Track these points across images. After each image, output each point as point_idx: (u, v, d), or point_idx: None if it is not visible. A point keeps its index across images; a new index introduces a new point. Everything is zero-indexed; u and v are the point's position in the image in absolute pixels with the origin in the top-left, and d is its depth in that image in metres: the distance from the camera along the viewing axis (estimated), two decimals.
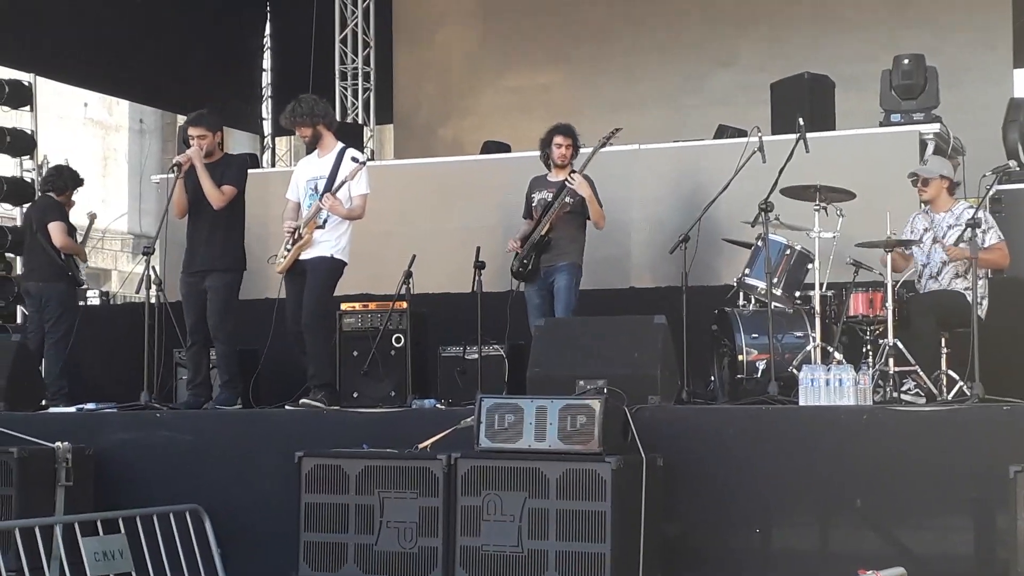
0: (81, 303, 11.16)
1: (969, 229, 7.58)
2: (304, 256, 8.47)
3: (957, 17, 12.78)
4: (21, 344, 9.10)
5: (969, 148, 10.36)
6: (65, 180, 10.21)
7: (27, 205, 11.71)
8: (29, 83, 13.14)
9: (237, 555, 7.47)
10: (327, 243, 8.48)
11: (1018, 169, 10.18)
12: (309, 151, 8.94)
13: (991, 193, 8.47)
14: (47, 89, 15.69)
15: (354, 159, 8.51)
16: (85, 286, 11.04)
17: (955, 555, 6.35)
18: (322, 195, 8.43)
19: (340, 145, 8.68)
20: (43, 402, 9.22)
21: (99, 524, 7.23)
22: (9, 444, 7.58)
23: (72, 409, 8.83)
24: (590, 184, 8.95)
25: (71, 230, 10.06)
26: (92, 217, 10.73)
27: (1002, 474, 5.96)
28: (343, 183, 8.42)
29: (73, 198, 10.29)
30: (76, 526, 7.08)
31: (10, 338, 9.31)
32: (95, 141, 24.95)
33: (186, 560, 7.33)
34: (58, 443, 7.60)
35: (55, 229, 9.84)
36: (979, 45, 12.66)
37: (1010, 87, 12.63)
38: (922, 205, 8.41)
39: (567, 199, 8.93)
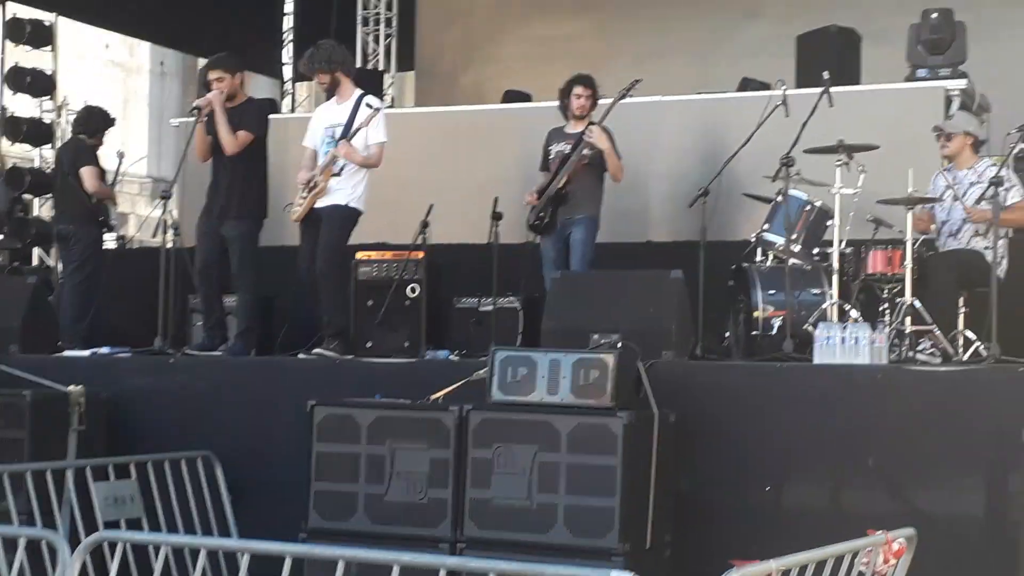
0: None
1: (991, 187, 7.54)
2: (319, 204, 8.48)
3: None
4: (37, 286, 9.12)
5: (995, 105, 10.28)
6: (96, 122, 10.19)
7: (56, 146, 11.72)
8: (51, 23, 13.14)
9: (248, 503, 7.52)
10: (343, 191, 8.48)
11: None
12: (328, 98, 8.94)
13: (1015, 151, 8.42)
14: (68, 29, 15.70)
15: (369, 105, 8.49)
16: (115, 231, 11.03)
17: (967, 516, 6.34)
18: (338, 142, 8.43)
19: (358, 92, 8.66)
20: (58, 344, 9.28)
21: (111, 469, 7.28)
22: (23, 387, 7.62)
23: (86, 353, 8.88)
24: (608, 136, 8.92)
25: (102, 174, 10.06)
26: (121, 156, 10.70)
27: (1017, 435, 5.96)
28: (359, 129, 8.41)
29: (104, 139, 10.28)
30: (88, 471, 7.14)
31: (25, 280, 9.32)
32: (115, 83, 24.88)
33: (197, 507, 7.39)
34: (71, 387, 7.63)
35: (87, 174, 9.83)
36: (1009, 0, 12.52)
37: None
38: (944, 163, 8.36)
39: (585, 151, 8.90)
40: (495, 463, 6.44)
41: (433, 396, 6.95)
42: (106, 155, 10.38)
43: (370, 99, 8.62)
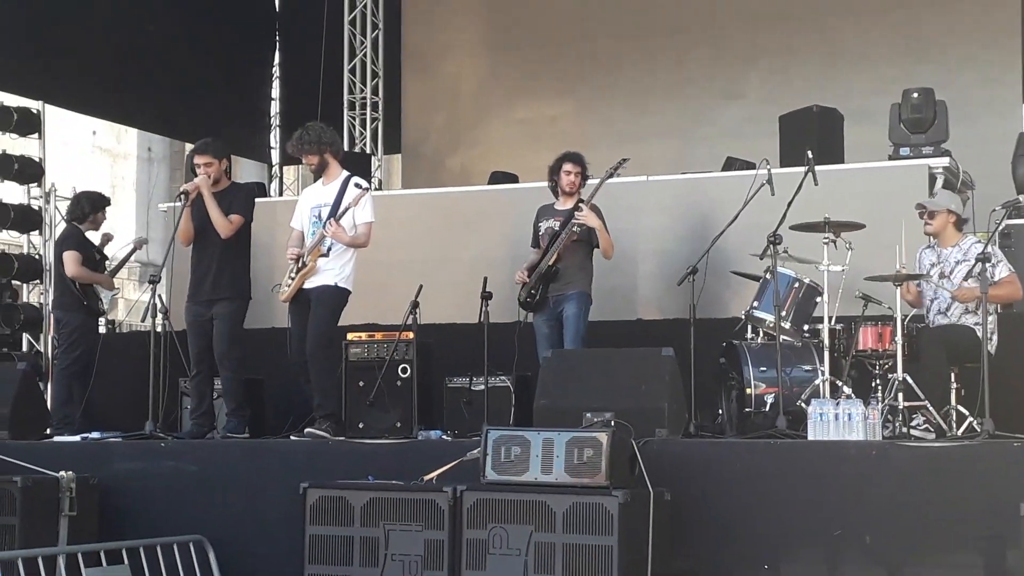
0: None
1: (979, 263, 7.55)
2: (308, 285, 8.45)
3: (966, 52, 12.78)
4: (26, 372, 9.08)
5: (978, 182, 10.34)
6: (83, 207, 10.17)
7: (44, 232, 11.75)
8: (38, 111, 13.16)
9: None
10: (331, 271, 8.46)
11: None
12: (315, 179, 8.94)
13: (1000, 228, 8.45)
14: (55, 116, 15.71)
15: (358, 185, 8.50)
16: (104, 315, 10.95)
17: None
18: (326, 222, 8.42)
19: (345, 173, 8.67)
20: (47, 431, 9.19)
21: (103, 555, 7.19)
22: (13, 473, 7.55)
23: (77, 438, 8.80)
24: (598, 214, 8.93)
25: (87, 259, 9.99)
26: (107, 238, 10.66)
27: (1012, 511, 5.92)
28: (347, 209, 8.40)
29: (102, 217, 10.23)
30: (80, 556, 7.05)
31: (15, 365, 9.28)
32: (103, 169, 24.92)
33: None
34: (62, 472, 7.57)
35: (67, 259, 9.80)
36: (988, 80, 12.65)
37: (1019, 122, 12.58)
38: (929, 239, 8.39)
39: (575, 228, 8.91)
40: (490, 544, 6.42)
41: (426, 477, 6.91)
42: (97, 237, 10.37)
43: (357, 180, 8.62)
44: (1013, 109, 12.70)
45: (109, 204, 10.43)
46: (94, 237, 10.26)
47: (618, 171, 9.13)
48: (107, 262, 10.12)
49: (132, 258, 11.18)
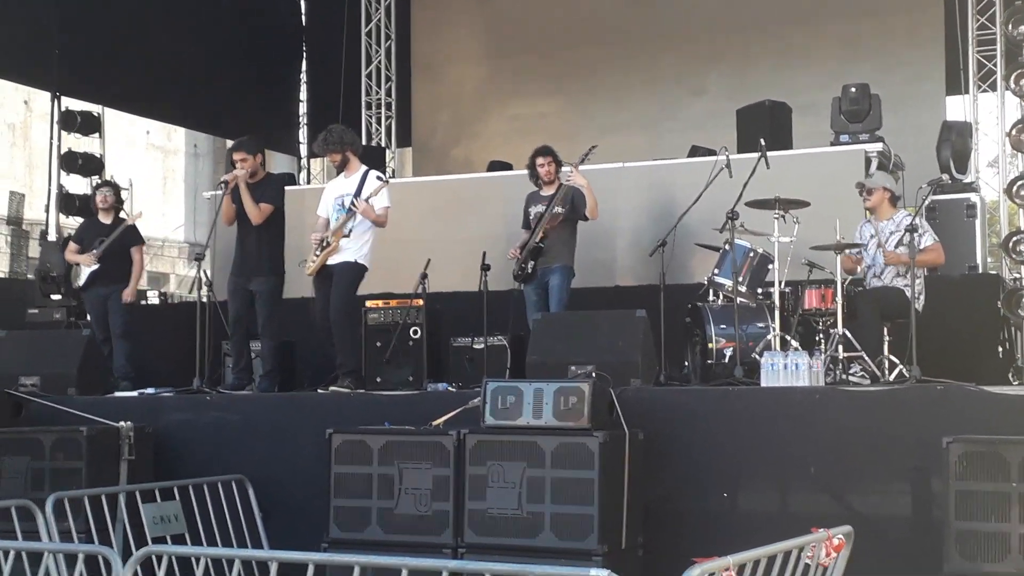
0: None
1: (907, 233, 7.56)
2: (331, 261, 8.45)
3: (898, 52, 12.74)
4: (89, 337, 9.07)
5: (908, 164, 10.33)
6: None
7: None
8: (98, 114, 13.15)
9: (276, 519, 7.43)
10: (352, 250, 8.45)
11: (950, 182, 10.18)
12: (338, 173, 8.93)
13: (926, 202, 8.44)
14: (116, 119, 15.71)
15: (378, 177, 8.50)
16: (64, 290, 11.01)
17: (896, 515, 6.31)
18: (352, 202, 8.39)
19: (364, 167, 8.67)
20: (113, 384, 9.21)
21: (157, 492, 7.20)
22: (80, 424, 7.55)
23: (134, 393, 8.81)
24: (570, 199, 8.93)
25: (72, 244, 10.13)
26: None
27: (935, 445, 5.92)
28: (367, 198, 8.39)
29: (112, 210, 10.12)
30: (137, 494, 7.07)
31: (81, 332, 9.26)
32: (156, 163, 24.94)
33: (232, 523, 7.30)
34: (122, 422, 7.57)
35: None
36: (916, 76, 12.61)
37: (943, 111, 12.59)
38: (867, 214, 8.39)
39: (557, 209, 8.91)
40: (489, 478, 6.41)
41: (434, 422, 6.92)
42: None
43: (376, 173, 8.63)
44: (937, 101, 12.69)
45: (103, 186, 10.35)
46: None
47: (588, 157, 9.09)
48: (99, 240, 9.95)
49: (182, 239, 11.14)
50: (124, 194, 10.71)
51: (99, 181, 10.83)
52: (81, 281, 9.95)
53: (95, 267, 9.75)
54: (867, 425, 6.48)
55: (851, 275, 8.17)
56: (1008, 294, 8.88)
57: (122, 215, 10.26)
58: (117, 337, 9.64)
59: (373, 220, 8.43)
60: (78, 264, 10.04)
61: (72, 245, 10.18)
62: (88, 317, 10.12)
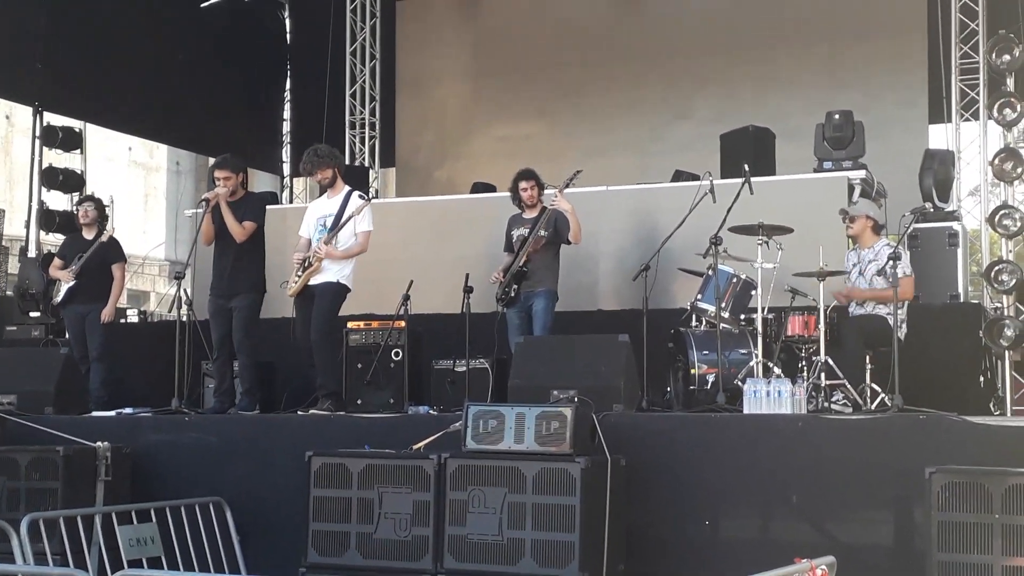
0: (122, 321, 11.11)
1: (890, 261, 7.57)
2: (313, 282, 8.40)
3: (881, 80, 12.80)
4: (68, 356, 8.99)
5: (890, 192, 10.35)
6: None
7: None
8: (79, 129, 13.09)
9: (254, 542, 7.37)
10: (334, 270, 8.41)
11: (932, 210, 10.20)
12: (321, 192, 8.87)
13: (908, 231, 8.46)
14: (99, 136, 15.64)
15: (362, 196, 8.46)
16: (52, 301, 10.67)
17: (878, 545, 6.29)
18: (331, 228, 8.35)
19: (347, 188, 8.63)
20: (89, 406, 9.12)
21: (134, 514, 7.12)
22: (56, 443, 7.48)
23: (112, 413, 8.73)
24: (553, 223, 8.92)
25: (56, 261, 10.06)
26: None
27: (917, 474, 5.92)
28: (350, 218, 8.36)
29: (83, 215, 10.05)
30: (113, 516, 6.99)
31: (59, 351, 9.18)
32: (138, 180, 24.85)
33: (209, 546, 7.22)
34: (99, 443, 7.50)
35: None
36: (900, 103, 12.67)
37: (926, 139, 12.64)
38: (851, 242, 8.40)
39: (541, 232, 8.90)
40: (470, 503, 6.37)
41: (415, 446, 6.88)
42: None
43: (359, 193, 8.58)
44: (920, 129, 12.75)
45: (84, 201, 10.25)
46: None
47: (572, 181, 9.07)
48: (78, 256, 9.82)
49: (163, 257, 11.07)
50: (109, 210, 10.61)
51: (81, 196, 10.73)
52: (59, 298, 9.87)
53: (72, 283, 9.68)
54: (849, 454, 6.46)
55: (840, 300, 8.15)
56: (990, 324, 8.90)
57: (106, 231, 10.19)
58: (94, 360, 9.55)
59: (340, 257, 8.35)
60: (58, 281, 9.96)
61: (56, 261, 10.10)
62: (67, 335, 10.02)
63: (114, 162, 22.57)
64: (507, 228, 9.23)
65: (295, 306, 8.52)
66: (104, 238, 9.88)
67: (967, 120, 12.00)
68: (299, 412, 8.22)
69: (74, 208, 10.33)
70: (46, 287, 11.09)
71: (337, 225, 8.37)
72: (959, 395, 8.34)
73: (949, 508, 5.67)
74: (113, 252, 9.89)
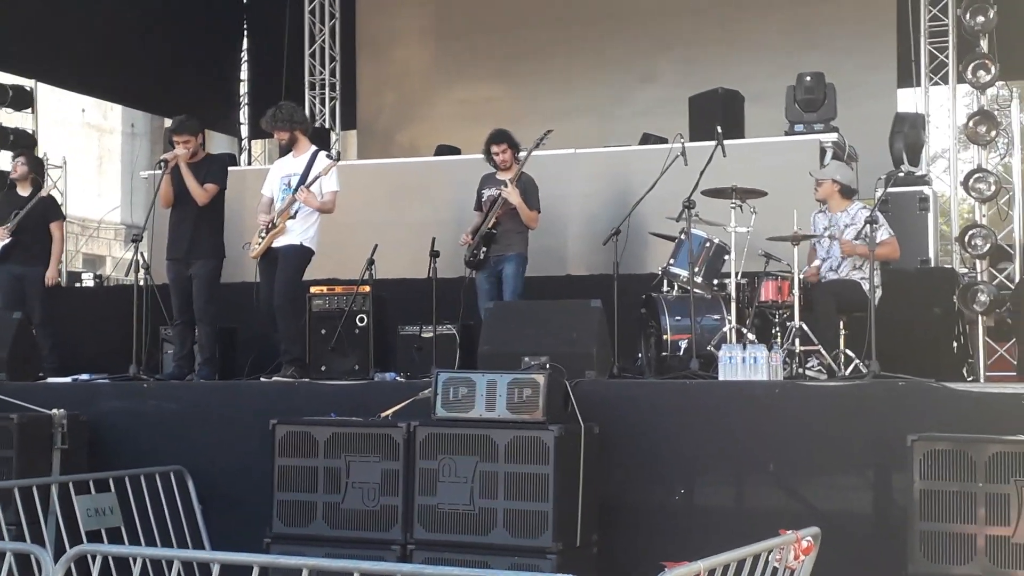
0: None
1: (867, 225, 7.45)
2: (276, 244, 8.19)
3: (850, 43, 12.61)
4: (21, 321, 8.70)
5: (861, 156, 10.22)
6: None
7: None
8: (31, 88, 12.74)
9: (217, 512, 7.18)
10: (297, 232, 8.20)
11: (903, 175, 10.10)
12: (283, 153, 8.64)
13: (880, 195, 8.34)
14: (51, 96, 15.23)
15: (328, 156, 8.24)
16: None
17: (857, 514, 6.17)
18: (296, 188, 8.14)
19: (313, 147, 8.40)
20: (41, 373, 8.86)
21: (91, 484, 6.93)
22: (10, 411, 7.22)
23: (68, 379, 8.48)
24: (527, 188, 8.72)
25: None
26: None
27: (897, 441, 5.81)
28: (317, 177, 8.15)
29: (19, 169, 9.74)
30: (71, 486, 6.78)
31: (11, 315, 8.88)
32: (92, 143, 24.39)
33: (171, 516, 7.03)
34: (55, 410, 7.25)
35: None
36: (868, 67, 12.50)
37: (895, 103, 12.52)
38: (820, 204, 8.27)
39: (511, 200, 8.70)
40: (440, 473, 6.21)
41: (383, 413, 6.70)
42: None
43: (325, 152, 8.38)
44: (889, 93, 12.59)
45: (17, 155, 9.93)
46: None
47: (543, 141, 8.89)
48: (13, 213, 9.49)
49: (118, 221, 10.76)
50: (56, 170, 10.27)
51: (16, 151, 10.35)
52: None
53: (7, 240, 9.35)
54: (828, 421, 6.35)
55: (813, 282, 7.99)
56: (963, 289, 8.81)
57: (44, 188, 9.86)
58: (37, 326, 9.24)
59: (317, 207, 8.17)
60: None
61: None
62: None
63: (67, 125, 22.10)
64: (479, 186, 9.02)
65: (258, 269, 8.30)
66: (44, 193, 9.56)
67: (936, 84, 11.87)
68: (262, 379, 8.00)
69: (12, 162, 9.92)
70: None
71: (305, 182, 8.13)
72: (932, 360, 8.25)
73: (931, 476, 5.56)
74: (51, 210, 9.59)
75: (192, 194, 8.34)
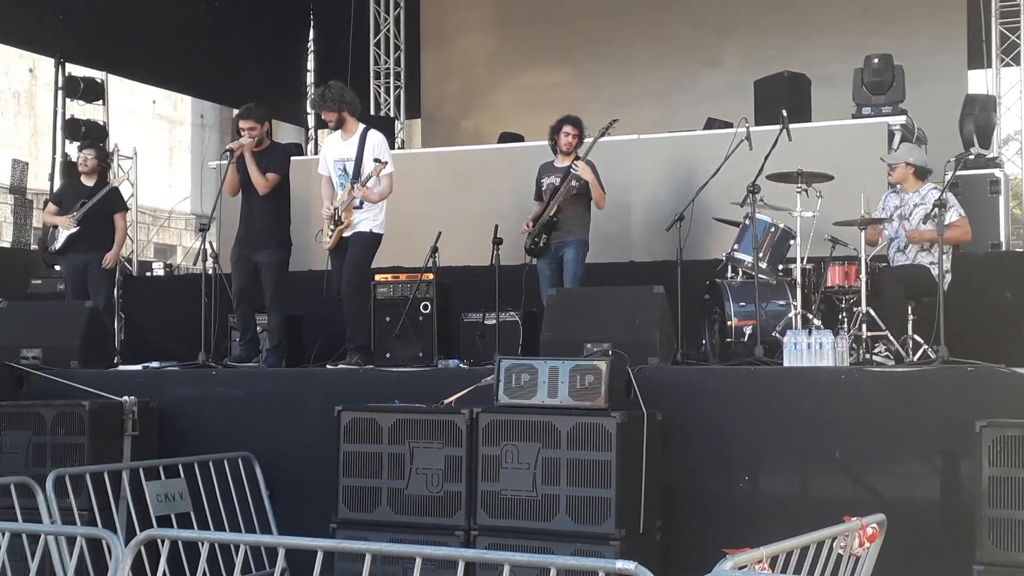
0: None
1: (936, 208, 7.32)
2: (346, 234, 8.22)
3: (919, 24, 12.41)
4: (92, 309, 8.83)
5: (930, 138, 10.06)
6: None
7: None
8: (102, 80, 12.91)
9: (283, 498, 7.24)
10: (366, 220, 8.22)
11: (973, 157, 9.93)
12: (333, 131, 8.61)
13: (950, 178, 8.21)
14: (123, 88, 15.43)
15: (376, 160, 8.13)
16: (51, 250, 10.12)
17: (924, 500, 6.08)
18: (353, 184, 8.13)
19: (362, 126, 8.35)
20: (115, 360, 8.99)
21: (161, 469, 7.02)
22: (82, 398, 7.34)
23: (138, 367, 8.60)
24: (592, 169, 8.69)
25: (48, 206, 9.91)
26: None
27: (965, 427, 5.69)
28: (369, 177, 8.12)
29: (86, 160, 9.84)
30: (141, 471, 6.87)
31: (84, 304, 9.02)
32: (162, 134, 24.70)
33: (238, 502, 7.11)
34: (126, 397, 7.36)
35: None
36: (938, 49, 12.29)
37: (965, 85, 12.29)
38: (894, 186, 8.16)
39: (572, 183, 8.67)
40: (503, 459, 6.21)
41: (446, 400, 6.71)
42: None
43: (373, 132, 8.30)
44: (959, 74, 12.38)
45: (85, 148, 10.02)
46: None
47: (608, 130, 8.87)
48: (80, 203, 9.62)
49: (189, 211, 10.87)
50: (127, 161, 10.41)
51: (82, 142, 10.49)
52: (58, 245, 9.64)
53: (74, 230, 9.50)
54: (894, 407, 6.25)
55: (874, 247, 7.91)
56: None
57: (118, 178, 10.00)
58: (102, 312, 9.36)
59: (376, 200, 8.16)
60: (55, 228, 9.70)
61: (50, 206, 9.92)
62: (65, 284, 9.79)
63: (138, 115, 22.42)
64: (537, 176, 9.00)
65: (329, 258, 8.32)
66: (117, 183, 9.70)
67: (1007, 65, 11.64)
68: (328, 365, 8.05)
69: (78, 154, 10.06)
70: (44, 233, 10.85)
71: (358, 172, 8.14)
72: (1002, 346, 8.05)
73: (1000, 463, 5.43)
74: (116, 201, 9.73)
75: (254, 182, 8.41)
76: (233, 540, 4.81)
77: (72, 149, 12.59)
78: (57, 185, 10.99)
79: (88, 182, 9.79)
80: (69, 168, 12.04)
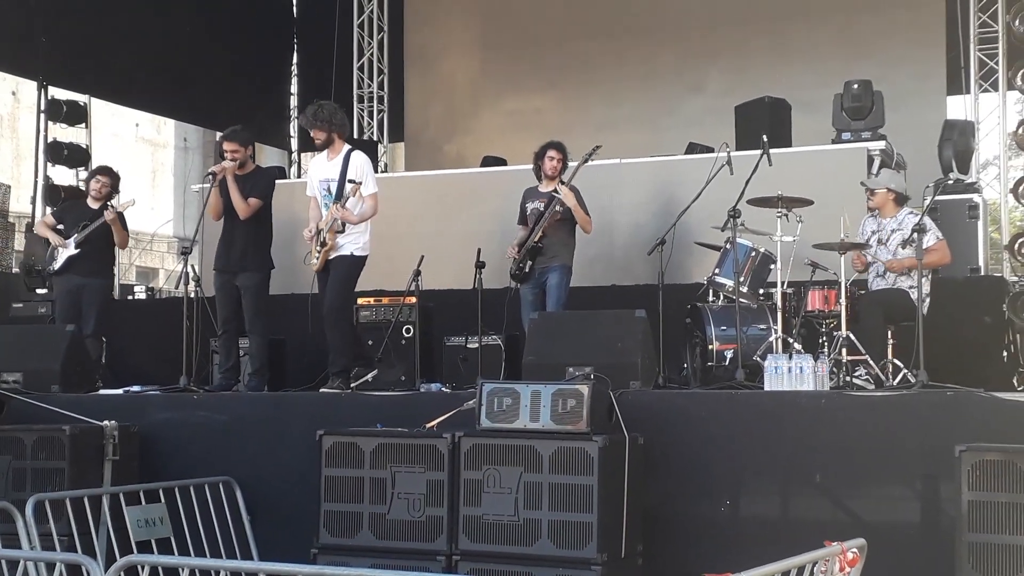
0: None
1: (915, 233, 7.37)
2: (331, 256, 8.22)
3: (898, 50, 12.51)
4: (73, 333, 8.80)
5: (909, 163, 10.13)
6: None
7: None
8: (84, 103, 12.90)
9: (265, 522, 7.22)
10: (349, 242, 8.22)
11: (952, 183, 10.00)
12: (319, 151, 8.61)
13: (929, 203, 8.26)
14: (105, 111, 15.41)
15: (351, 180, 8.13)
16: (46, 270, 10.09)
17: (904, 524, 6.12)
18: (334, 205, 8.13)
19: (347, 147, 8.35)
20: (97, 384, 8.96)
21: (142, 494, 6.99)
22: (63, 422, 7.32)
23: (119, 391, 8.57)
24: (576, 195, 8.72)
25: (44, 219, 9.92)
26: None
27: (945, 452, 5.74)
28: (347, 199, 8.10)
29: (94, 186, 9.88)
30: (121, 496, 6.84)
31: (65, 328, 8.99)
32: (145, 157, 24.68)
33: (219, 526, 7.08)
34: (106, 421, 7.34)
35: None
36: (917, 75, 12.40)
37: (944, 111, 12.40)
38: (872, 210, 8.21)
39: (557, 208, 8.70)
40: (485, 483, 6.21)
41: (428, 424, 6.70)
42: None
43: (356, 152, 8.30)
44: (938, 100, 12.49)
45: (101, 173, 10.00)
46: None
47: (592, 156, 8.91)
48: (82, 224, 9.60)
49: (171, 234, 10.86)
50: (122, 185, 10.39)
51: (98, 167, 10.48)
52: (57, 265, 9.62)
53: (74, 252, 9.49)
54: (874, 431, 6.29)
55: (862, 274, 7.97)
56: (1014, 297, 8.70)
57: (112, 203, 9.98)
58: (89, 336, 9.33)
59: (356, 221, 8.16)
60: (55, 248, 9.63)
61: (49, 218, 9.87)
62: (55, 304, 9.76)
63: (121, 138, 22.39)
64: (522, 200, 9.03)
65: (317, 280, 8.31)
66: (123, 208, 9.70)
67: (986, 91, 11.74)
68: (309, 390, 8.03)
69: (86, 179, 10.05)
70: (43, 251, 10.79)
71: (342, 193, 8.14)
72: (982, 370, 8.14)
73: (980, 487, 5.49)
74: (117, 224, 9.70)
75: (235, 206, 8.41)
76: (214, 566, 4.79)
77: (54, 172, 12.58)
78: (58, 206, 10.94)
79: (94, 205, 9.79)
80: (75, 189, 12.04)
